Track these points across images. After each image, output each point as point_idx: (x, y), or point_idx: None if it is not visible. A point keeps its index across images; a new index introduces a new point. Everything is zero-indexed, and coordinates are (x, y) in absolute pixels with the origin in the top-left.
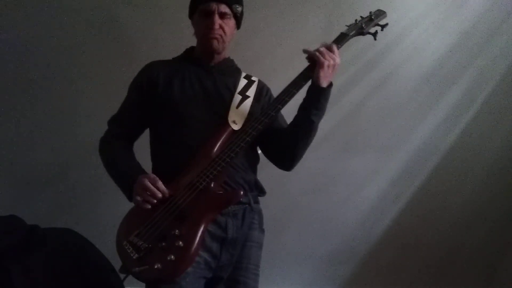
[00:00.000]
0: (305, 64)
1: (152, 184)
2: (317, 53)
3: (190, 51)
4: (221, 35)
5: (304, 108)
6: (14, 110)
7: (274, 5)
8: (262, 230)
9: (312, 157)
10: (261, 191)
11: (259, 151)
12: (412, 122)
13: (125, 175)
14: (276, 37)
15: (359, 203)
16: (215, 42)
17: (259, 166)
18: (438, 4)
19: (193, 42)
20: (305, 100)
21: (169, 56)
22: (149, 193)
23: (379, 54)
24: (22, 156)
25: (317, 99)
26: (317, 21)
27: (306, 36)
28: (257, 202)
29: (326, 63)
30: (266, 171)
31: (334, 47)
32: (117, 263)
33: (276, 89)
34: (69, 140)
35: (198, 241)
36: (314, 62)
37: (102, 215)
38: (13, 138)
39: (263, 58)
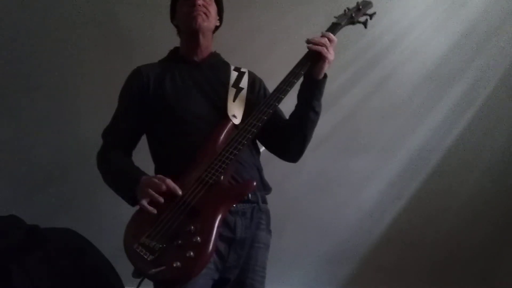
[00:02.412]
0: None
1: (161, 182)
2: (325, 49)
3: (174, 51)
4: (205, 13)
5: (306, 101)
6: (14, 110)
7: (274, 5)
8: (269, 231)
9: (313, 157)
10: (267, 189)
11: (262, 148)
12: (412, 122)
13: (126, 179)
14: (275, 38)
15: (359, 203)
16: (200, 18)
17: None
18: (438, 4)
19: None
20: (304, 93)
21: None
22: (158, 192)
23: (379, 54)
24: (22, 156)
25: (319, 91)
26: (317, 21)
27: (305, 36)
28: (265, 202)
29: (331, 58)
30: (266, 171)
31: (335, 38)
32: (117, 263)
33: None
34: (69, 140)
35: (215, 235)
36: (315, 53)
37: (102, 215)
38: (13, 138)
39: (263, 59)
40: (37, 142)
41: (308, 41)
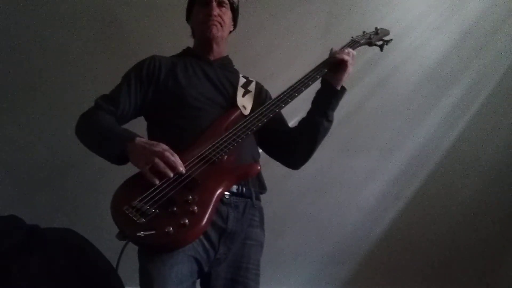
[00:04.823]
0: (304, 64)
1: (170, 155)
2: (350, 59)
3: (187, 50)
4: (220, 23)
5: (321, 108)
6: (14, 110)
7: (273, 7)
8: (262, 229)
9: (313, 157)
10: (263, 187)
11: (260, 150)
12: (412, 122)
13: (117, 134)
14: (275, 39)
15: (359, 203)
16: (214, 28)
17: None
18: (438, 4)
19: (192, 43)
20: (320, 100)
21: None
22: (165, 164)
23: (379, 54)
24: (22, 156)
25: (336, 100)
26: (315, 23)
27: (304, 38)
28: (258, 199)
29: (351, 70)
30: (266, 171)
31: (355, 54)
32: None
33: (275, 91)
34: (69, 140)
35: (212, 209)
36: (335, 62)
37: (102, 215)
38: (13, 138)
39: (262, 60)
40: (37, 142)
41: (334, 51)
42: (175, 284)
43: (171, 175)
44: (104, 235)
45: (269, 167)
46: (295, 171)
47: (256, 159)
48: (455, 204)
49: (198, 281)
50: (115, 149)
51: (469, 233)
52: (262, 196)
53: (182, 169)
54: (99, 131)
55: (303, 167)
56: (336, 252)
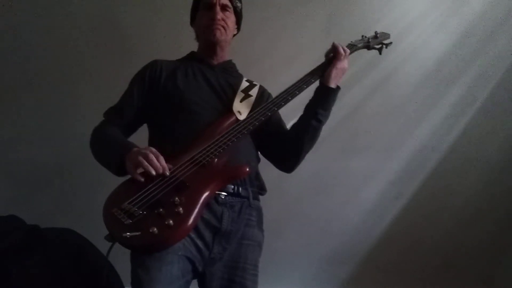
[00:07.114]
0: (304, 65)
1: (155, 158)
2: (343, 51)
3: (191, 54)
4: (223, 26)
5: (311, 107)
6: (14, 110)
7: (273, 6)
8: (260, 229)
9: (312, 158)
10: (262, 188)
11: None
12: (412, 122)
13: (117, 146)
14: (275, 39)
15: (359, 203)
16: (218, 32)
17: (259, 166)
18: (438, 4)
19: (193, 45)
20: (312, 100)
21: (168, 57)
22: (150, 165)
23: (379, 54)
24: (22, 156)
25: (326, 99)
26: (316, 23)
27: (305, 38)
28: (256, 199)
29: (346, 66)
30: (266, 171)
31: (348, 51)
32: (117, 263)
33: (275, 91)
34: (69, 140)
35: (198, 210)
36: (330, 59)
37: (102, 215)
38: (13, 138)
39: (262, 60)
40: (37, 142)
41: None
42: (164, 284)
43: (154, 173)
44: (104, 235)
45: (269, 168)
46: (295, 171)
47: (252, 161)
48: (455, 204)
49: (196, 281)
50: (114, 161)
51: (469, 233)
52: (261, 197)
53: (162, 169)
54: (102, 145)
55: (303, 167)
56: (336, 252)
